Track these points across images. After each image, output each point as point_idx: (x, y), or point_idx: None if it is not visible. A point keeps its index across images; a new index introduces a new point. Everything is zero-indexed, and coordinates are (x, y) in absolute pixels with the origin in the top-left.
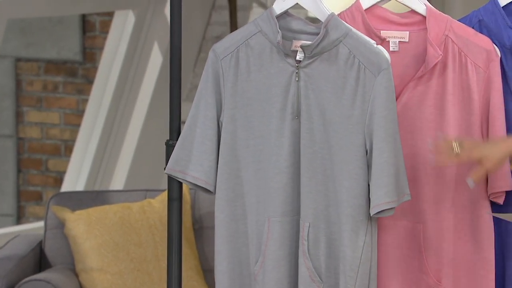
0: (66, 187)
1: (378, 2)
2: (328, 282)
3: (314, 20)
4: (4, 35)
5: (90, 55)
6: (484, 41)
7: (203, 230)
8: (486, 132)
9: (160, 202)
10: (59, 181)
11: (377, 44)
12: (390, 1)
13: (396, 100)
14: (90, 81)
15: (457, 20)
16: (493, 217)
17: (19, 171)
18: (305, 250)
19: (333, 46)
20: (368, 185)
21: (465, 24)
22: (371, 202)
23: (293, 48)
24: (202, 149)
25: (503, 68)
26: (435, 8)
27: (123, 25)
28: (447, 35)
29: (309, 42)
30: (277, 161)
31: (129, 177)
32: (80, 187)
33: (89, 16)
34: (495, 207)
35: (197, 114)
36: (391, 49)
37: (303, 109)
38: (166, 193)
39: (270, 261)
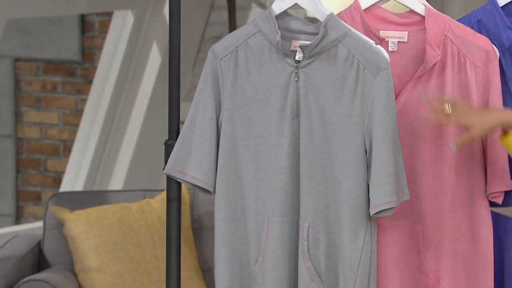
0: (65, 187)
1: (377, 2)
2: (327, 282)
3: (313, 20)
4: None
5: (89, 55)
6: (483, 41)
7: (202, 230)
8: None
9: (159, 202)
10: (58, 181)
11: (376, 44)
12: (389, 1)
13: (395, 100)
14: (89, 81)
15: (456, 20)
16: (492, 216)
17: (18, 171)
18: (304, 250)
19: (332, 46)
20: (368, 185)
21: (464, 24)
22: (370, 202)
23: (292, 48)
24: (201, 150)
25: (502, 68)
26: (434, 8)
27: (122, 25)
28: (446, 35)
29: (308, 42)
30: (277, 161)
31: (128, 177)
32: (79, 187)
33: (88, 16)
34: (494, 207)
35: (196, 115)
36: (390, 49)
37: (302, 109)
38: (165, 193)
39: (270, 261)
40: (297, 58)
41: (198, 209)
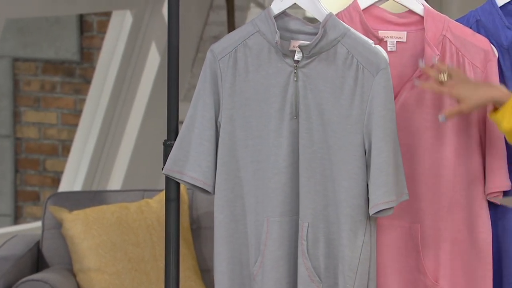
0: (63, 187)
1: (376, 2)
2: (327, 282)
3: (312, 20)
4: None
5: (87, 55)
6: (481, 41)
7: (200, 230)
8: (483, 131)
9: (157, 202)
10: (56, 181)
11: (375, 44)
12: (388, 1)
13: (394, 100)
14: (87, 81)
15: (455, 20)
16: (491, 216)
17: (16, 171)
18: (304, 250)
19: (331, 46)
20: (367, 185)
21: (462, 24)
22: (370, 202)
23: (291, 48)
24: (200, 150)
25: (501, 68)
26: (432, 8)
27: (120, 25)
28: (444, 35)
29: (307, 42)
30: (276, 161)
31: (126, 177)
32: (77, 187)
33: (87, 16)
34: (492, 207)
35: (195, 115)
36: (388, 49)
37: (301, 109)
38: (163, 193)
39: (269, 261)
40: (296, 58)
41: (197, 209)
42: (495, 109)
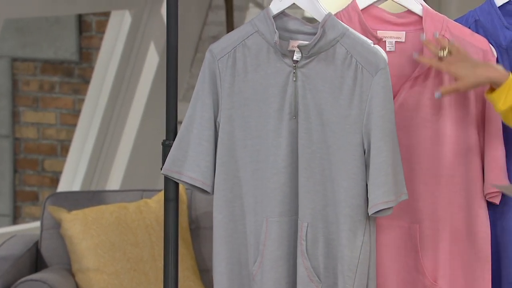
0: (62, 187)
1: (375, 2)
2: (326, 282)
3: (311, 20)
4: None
5: (86, 55)
6: (480, 41)
7: (199, 230)
8: (482, 131)
9: (156, 202)
10: (55, 181)
11: (373, 44)
12: (387, 1)
13: (393, 100)
14: (86, 81)
15: (453, 20)
16: (489, 217)
17: (15, 171)
18: (303, 250)
19: (330, 46)
20: (366, 184)
21: (461, 24)
22: (369, 202)
23: (290, 48)
24: (198, 150)
25: None
26: (431, 8)
27: (119, 25)
28: (443, 35)
29: (306, 42)
30: (275, 161)
31: (125, 177)
32: (76, 187)
33: (86, 16)
34: (491, 207)
35: (194, 115)
36: (387, 49)
37: (300, 109)
38: (162, 193)
39: (268, 261)
40: (295, 58)
41: (196, 209)
42: (492, 89)
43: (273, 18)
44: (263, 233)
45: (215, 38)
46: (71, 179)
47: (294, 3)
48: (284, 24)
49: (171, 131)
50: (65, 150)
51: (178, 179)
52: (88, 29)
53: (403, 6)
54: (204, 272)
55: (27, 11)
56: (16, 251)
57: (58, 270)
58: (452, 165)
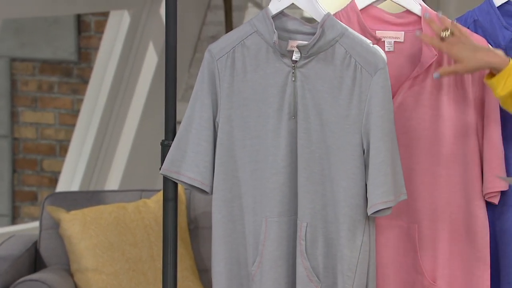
0: (61, 187)
1: (374, 2)
2: (326, 282)
3: (310, 20)
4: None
5: (85, 55)
6: (479, 41)
7: (198, 230)
8: (481, 131)
9: (155, 202)
10: (54, 181)
11: (372, 44)
12: (385, 1)
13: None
14: (85, 81)
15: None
16: (488, 217)
17: (14, 171)
18: (302, 250)
19: (329, 46)
20: (366, 184)
21: (460, 24)
22: (368, 202)
23: (289, 48)
24: (197, 150)
25: None
26: (430, 8)
27: (118, 25)
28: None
29: (306, 42)
30: (274, 161)
31: (124, 177)
32: (75, 187)
33: (84, 16)
34: (490, 207)
35: (193, 115)
36: (386, 49)
37: (299, 109)
38: (161, 193)
39: (268, 261)
40: (294, 58)
41: (195, 209)
42: (492, 74)
43: (272, 18)
44: (262, 233)
45: (214, 38)
46: (70, 179)
47: (293, 3)
48: (283, 24)
49: (170, 131)
50: (64, 150)
51: (177, 179)
52: (87, 29)
53: (402, 6)
54: (203, 272)
55: (25, 11)
56: (15, 251)
57: (57, 270)
58: (451, 165)
